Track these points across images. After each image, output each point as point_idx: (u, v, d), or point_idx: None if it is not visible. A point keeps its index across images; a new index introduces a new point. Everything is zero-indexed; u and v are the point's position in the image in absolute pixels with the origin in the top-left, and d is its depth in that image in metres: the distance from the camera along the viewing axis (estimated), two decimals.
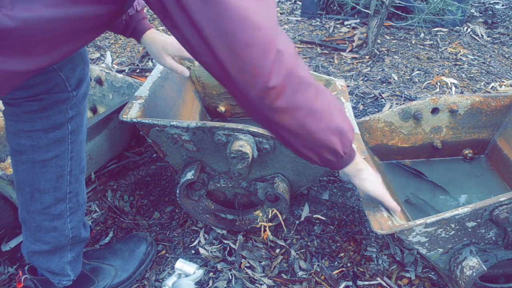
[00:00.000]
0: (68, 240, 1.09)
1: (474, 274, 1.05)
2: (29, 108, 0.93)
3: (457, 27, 3.17)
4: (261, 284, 1.29)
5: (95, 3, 0.72)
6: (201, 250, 1.39)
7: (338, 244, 1.43)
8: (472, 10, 3.50)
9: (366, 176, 1.03)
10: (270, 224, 1.40)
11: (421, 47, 2.89)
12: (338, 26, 3.20)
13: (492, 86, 2.42)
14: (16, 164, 1.00)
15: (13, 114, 0.95)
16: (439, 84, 2.43)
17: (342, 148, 0.91)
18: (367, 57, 2.72)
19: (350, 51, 2.80)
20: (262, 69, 0.73)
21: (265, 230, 1.41)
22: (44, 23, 0.67)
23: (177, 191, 1.34)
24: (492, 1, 3.76)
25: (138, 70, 2.49)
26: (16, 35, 0.65)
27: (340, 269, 1.35)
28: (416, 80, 2.48)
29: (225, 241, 1.43)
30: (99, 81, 1.77)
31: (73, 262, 1.14)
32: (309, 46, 2.89)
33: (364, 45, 2.80)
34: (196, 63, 1.69)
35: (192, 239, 1.44)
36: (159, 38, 1.24)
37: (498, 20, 3.38)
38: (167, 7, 0.69)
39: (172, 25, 0.72)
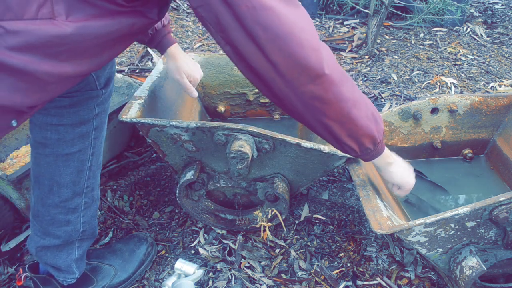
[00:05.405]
0: (78, 234, 1.11)
1: (474, 274, 1.05)
2: (60, 103, 0.95)
3: (457, 27, 3.17)
4: (260, 284, 1.29)
5: (135, 14, 0.80)
6: (201, 250, 1.39)
7: (338, 244, 1.43)
8: (472, 10, 3.50)
9: (395, 169, 1.11)
10: (269, 224, 1.40)
11: (421, 47, 2.89)
12: (337, 26, 3.20)
13: (492, 86, 2.42)
14: (37, 157, 1.02)
15: (42, 108, 0.95)
16: (438, 84, 2.43)
17: (378, 135, 0.97)
18: (366, 57, 2.72)
19: (349, 51, 2.80)
20: (314, 64, 0.81)
21: (264, 230, 1.42)
22: (94, 30, 0.76)
23: (177, 191, 1.34)
24: (491, 1, 3.76)
25: (137, 70, 2.48)
26: (71, 41, 0.74)
27: (340, 269, 1.35)
28: (416, 80, 2.48)
29: (225, 241, 1.43)
30: None
31: (79, 260, 1.16)
32: None
33: (364, 45, 2.80)
34: None
35: (192, 239, 1.44)
36: (179, 55, 1.36)
37: (498, 20, 3.38)
38: (221, 20, 0.76)
39: (223, 36, 0.78)
